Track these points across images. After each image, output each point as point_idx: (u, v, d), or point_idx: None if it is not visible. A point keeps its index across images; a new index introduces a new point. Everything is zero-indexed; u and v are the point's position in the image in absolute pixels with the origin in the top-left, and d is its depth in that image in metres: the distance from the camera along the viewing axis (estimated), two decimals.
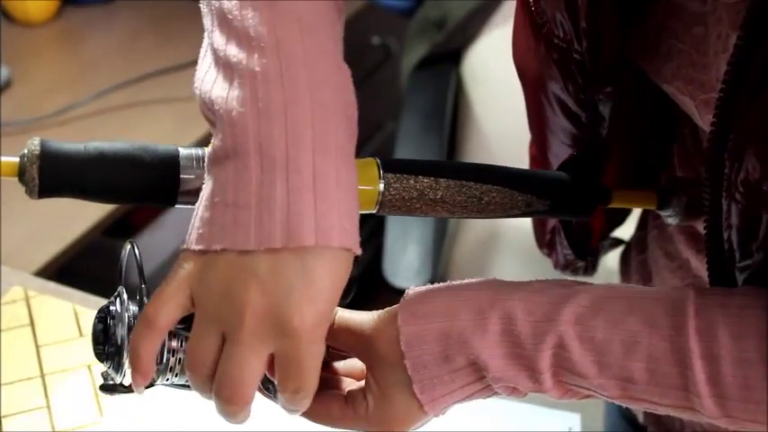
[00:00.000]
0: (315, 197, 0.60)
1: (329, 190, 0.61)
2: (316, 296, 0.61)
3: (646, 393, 0.65)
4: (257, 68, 0.62)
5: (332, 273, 0.61)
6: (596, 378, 0.66)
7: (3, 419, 1.00)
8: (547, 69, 0.80)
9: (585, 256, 0.94)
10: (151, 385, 0.71)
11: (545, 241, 0.97)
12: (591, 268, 0.97)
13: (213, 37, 0.65)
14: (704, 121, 0.72)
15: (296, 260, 0.60)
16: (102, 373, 0.70)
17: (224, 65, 0.63)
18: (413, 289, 0.71)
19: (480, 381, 0.68)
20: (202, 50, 0.67)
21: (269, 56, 0.62)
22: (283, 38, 0.63)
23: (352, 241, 0.62)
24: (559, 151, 0.86)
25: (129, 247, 0.70)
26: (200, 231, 0.62)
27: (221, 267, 0.61)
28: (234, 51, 0.63)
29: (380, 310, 0.71)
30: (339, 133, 0.63)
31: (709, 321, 0.64)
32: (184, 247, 0.63)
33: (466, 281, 0.71)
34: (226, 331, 0.61)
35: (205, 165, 0.64)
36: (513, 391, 0.69)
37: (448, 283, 0.71)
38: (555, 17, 0.76)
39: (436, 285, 0.71)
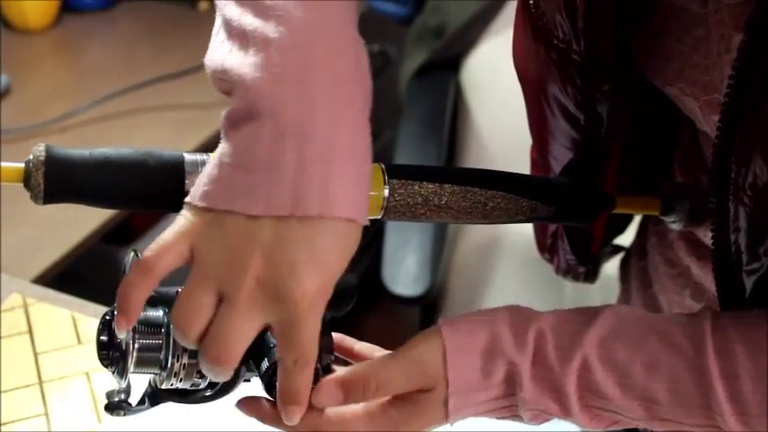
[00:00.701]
0: (325, 167, 0.60)
1: (340, 161, 0.60)
2: (320, 268, 0.60)
3: (670, 413, 0.67)
4: (274, 35, 0.61)
5: (338, 245, 0.61)
6: (620, 399, 0.67)
7: (1, 427, 1.00)
8: (546, 71, 0.80)
9: (587, 261, 0.94)
10: (156, 400, 0.71)
11: (546, 246, 0.97)
12: (592, 275, 0.97)
13: (226, 11, 0.65)
14: (707, 122, 0.72)
15: (302, 229, 0.60)
16: (106, 394, 0.70)
17: (238, 35, 0.63)
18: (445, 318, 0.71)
19: (507, 398, 0.69)
20: (214, 30, 0.67)
21: (285, 23, 0.61)
22: (301, 6, 0.62)
23: (360, 214, 0.61)
24: (559, 155, 0.86)
25: (132, 254, 0.70)
26: (207, 189, 0.61)
27: (227, 229, 0.60)
28: (249, 20, 0.62)
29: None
30: (354, 104, 0.62)
31: (726, 340, 0.65)
32: (188, 200, 0.63)
33: (493, 308, 0.71)
34: (223, 292, 0.61)
35: (221, 127, 0.64)
36: (537, 417, 0.70)
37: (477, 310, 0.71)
38: (554, 18, 0.77)
39: (468, 313, 0.71)
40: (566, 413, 0.68)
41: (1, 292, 1.17)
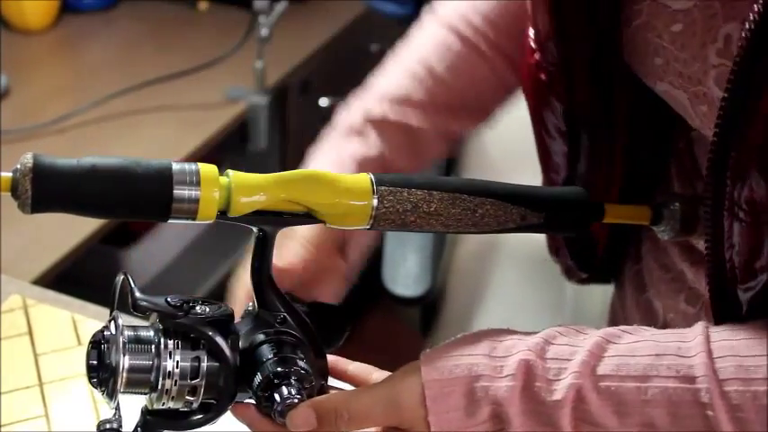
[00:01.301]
0: None
1: None
2: None
3: None
4: None
5: None
6: (618, 428, 0.66)
7: (1, 428, 1.00)
8: (540, 88, 0.84)
9: (589, 268, 0.94)
10: (146, 426, 0.70)
11: (555, 248, 0.98)
12: (597, 279, 0.98)
13: None
14: (697, 114, 0.72)
15: None
16: (97, 424, 0.69)
17: None
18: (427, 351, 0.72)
19: None
20: None
21: None
22: None
23: None
24: (557, 167, 0.89)
25: (122, 277, 0.70)
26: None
27: None
28: None
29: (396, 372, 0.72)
30: None
31: (721, 356, 0.64)
32: None
33: (474, 336, 0.71)
34: None
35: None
36: None
37: (457, 337, 0.72)
38: (547, 43, 0.81)
39: (448, 342, 0.72)
40: None
41: (1, 294, 1.16)
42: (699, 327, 0.68)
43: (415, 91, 0.93)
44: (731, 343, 0.65)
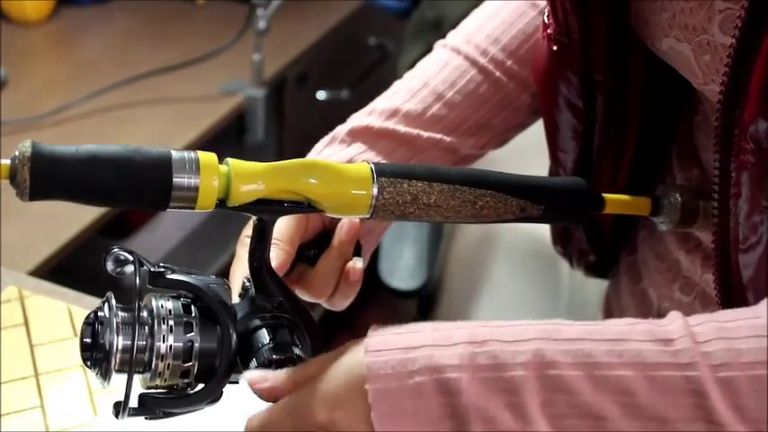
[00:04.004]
0: None
1: None
2: None
3: (650, 407, 0.58)
4: None
5: None
6: (591, 396, 0.58)
7: None
8: (550, 62, 0.84)
9: (598, 251, 0.95)
10: (144, 408, 0.70)
11: (560, 236, 0.98)
12: (602, 268, 0.98)
13: None
14: (700, 65, 0.73)
15: None
16: (114, 405, 0.69)
17: None
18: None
19: (451, 417, 0.60)
20: None
21: None
22: None
23: None
24: (566, 146, 0.88)
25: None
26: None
27: None
28: None
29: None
30: None
31: (698, 323, 0.61)
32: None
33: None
34: None
35: None
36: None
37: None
38: (556, 11, 0.81)
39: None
40: (523, 423, 0.59)
41: None
42: (672, 311, 0.64)
43: (406, 103, 0.89)
44: (708, 316, 0.62)
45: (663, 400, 0.58)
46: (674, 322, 0.61)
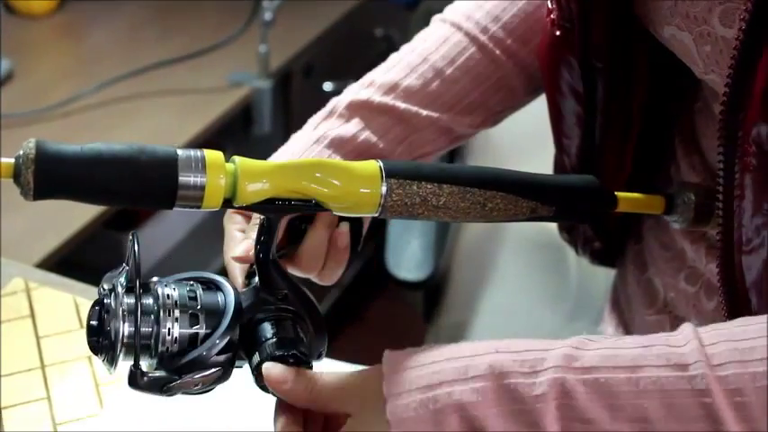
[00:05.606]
0: None
1: None
2: None
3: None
4: None
5: None
6: (609, 424, 0.60)
7: (3, 411, 1.00)
8: (554, 49, 0.84)
9: (602, 238, 0.95)
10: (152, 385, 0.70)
11: (564, 224, 0.98)
12: (607, 255, 0.98)
13: None
14: (701, 55, 0.73)
15: None
16: (130, 367, 0.69)
17: None
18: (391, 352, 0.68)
19: None
20: None
21: None
22: None
23: None
24: (570, 132, 0.88)
25: (132, 238, 0.70)
26: None
27: None
28: None
29: (359, 370, 0.70)
30: None
31: (712, 342, 0.61)
32: None
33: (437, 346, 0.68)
34: None
35: None
36: None
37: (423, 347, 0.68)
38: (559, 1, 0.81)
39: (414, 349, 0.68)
40: None
41: (3, 277, 1.16)
42: (685, 324, 0.64)
43: (406, 77, 0.88)
44: (721, 331, 0.62)
45: (678, 426, 0.60)
46: (689, 343, 0.61)
